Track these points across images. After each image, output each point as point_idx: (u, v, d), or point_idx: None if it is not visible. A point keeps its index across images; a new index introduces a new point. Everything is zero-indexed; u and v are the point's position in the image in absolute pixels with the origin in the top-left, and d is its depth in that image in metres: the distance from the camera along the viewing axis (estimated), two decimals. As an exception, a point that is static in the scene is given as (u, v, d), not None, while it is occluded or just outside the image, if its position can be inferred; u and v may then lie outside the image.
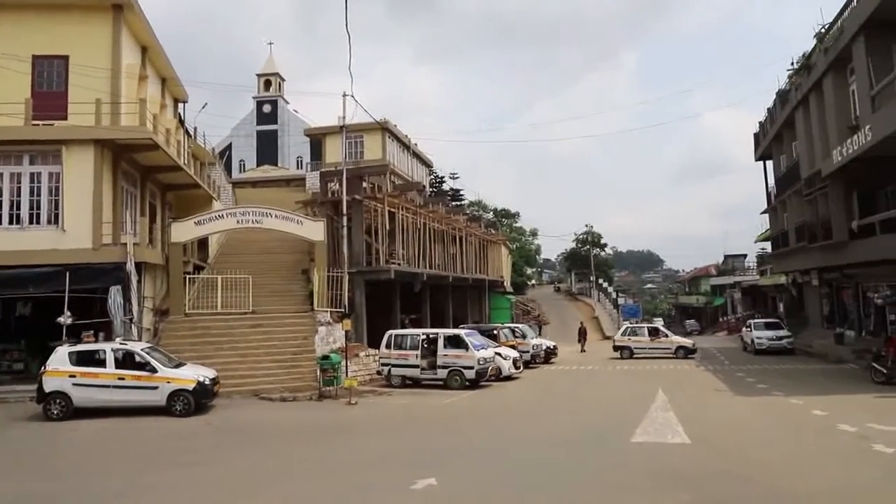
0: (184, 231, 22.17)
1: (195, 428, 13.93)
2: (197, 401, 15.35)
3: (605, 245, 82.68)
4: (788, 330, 31.23)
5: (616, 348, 30.71)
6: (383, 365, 21.18)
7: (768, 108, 35.01)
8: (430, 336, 21.10)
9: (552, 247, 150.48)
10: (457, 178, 64.65)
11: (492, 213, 67.90)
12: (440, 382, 20.12)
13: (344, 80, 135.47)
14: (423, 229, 30.45)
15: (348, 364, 19.58)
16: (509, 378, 21.92)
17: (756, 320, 34.85)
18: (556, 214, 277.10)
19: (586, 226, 78.01)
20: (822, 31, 24.31)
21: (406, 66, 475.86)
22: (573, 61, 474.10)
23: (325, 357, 18.69)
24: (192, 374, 15.73)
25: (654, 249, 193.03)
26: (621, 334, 31.75)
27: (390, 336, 21.48)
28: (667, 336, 30.65)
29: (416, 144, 49.93)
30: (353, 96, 27.73)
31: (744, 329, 35.01)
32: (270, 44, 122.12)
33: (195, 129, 29.74)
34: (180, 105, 28.43)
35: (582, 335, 36.12)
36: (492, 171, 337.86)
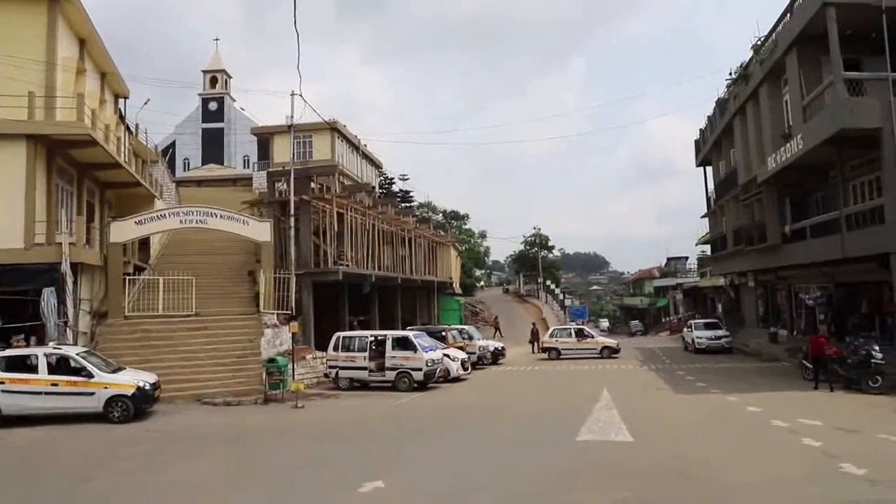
0: (124, 231, 21.47)
1: (134, 435, 13.50)
2: (136, 406, 14.89)
3: (553, 247, 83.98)
4: (726, 330, 32.37)
5: (544, 349, 31.41)
6: (331, 367, 20.98)
7: (708, 116, 36.18)
8: (379, 338, 20.99)
9: (501, 249, 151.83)
10: (406, 179, 64.81)
11: (441, 214, 68.06)
12: (388, 384, 20.03)
13: (293, 79, 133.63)
14: (371, 231, 30.31)
15: (295, 367, 19.32)
16: (458, 379, 22.03)
17: (696, 321, 35.99)
18: (506, 216, 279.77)
19: (534, 228, 78.96)
20: (759, 43, 25.32)
21: (356, 65, 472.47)
22: (523, 65, 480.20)
23: (272, 360, 18.41)
24: (131, 380, 15.24)
25: (600, 251, 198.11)
26: (549, 336, 32.46)
27: (338, 338, 21.29)
28: (592, 337, 31.65)
29: (365, 145, 49.59)
30: (301, 95, 27.29)
31: (685, 329, 36.09)
32: (217, 40, 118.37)
33: (136, 125, 28.81)
34: (121, 101, 27.48)
35: (534, 336, 36.60)
36: (442, 173, 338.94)
